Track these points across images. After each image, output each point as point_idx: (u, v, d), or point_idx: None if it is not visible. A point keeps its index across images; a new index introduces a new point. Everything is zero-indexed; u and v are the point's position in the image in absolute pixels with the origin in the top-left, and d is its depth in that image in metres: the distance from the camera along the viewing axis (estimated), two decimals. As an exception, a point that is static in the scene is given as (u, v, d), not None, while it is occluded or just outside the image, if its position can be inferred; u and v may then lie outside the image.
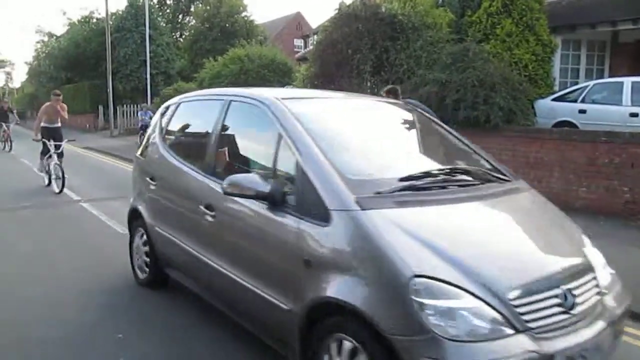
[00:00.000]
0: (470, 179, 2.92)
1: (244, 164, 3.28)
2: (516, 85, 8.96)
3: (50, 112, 9.47)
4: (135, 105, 24.16)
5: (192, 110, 4.31)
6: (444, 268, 2.17)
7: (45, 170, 9.64)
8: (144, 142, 4.73)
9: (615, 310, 2.51)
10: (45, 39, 34.65)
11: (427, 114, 4.04)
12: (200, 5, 31.60)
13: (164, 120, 4.43)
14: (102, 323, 3.74)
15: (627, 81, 9.06)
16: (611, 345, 2.46)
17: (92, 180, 10.43)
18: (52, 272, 4.84)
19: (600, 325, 2.35)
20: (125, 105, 24.81)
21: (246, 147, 3.48)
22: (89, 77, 29.08)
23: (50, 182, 9.35)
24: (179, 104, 4.40)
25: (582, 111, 9.32)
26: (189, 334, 3.57)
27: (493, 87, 8.59)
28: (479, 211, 2.71)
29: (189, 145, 4.17)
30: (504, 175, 3.17)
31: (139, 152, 4.81)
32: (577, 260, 2.57)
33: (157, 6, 32.68)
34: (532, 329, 2.14)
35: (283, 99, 3.18)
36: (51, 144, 9.18)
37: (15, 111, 20.63)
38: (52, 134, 9.40)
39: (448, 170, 2.97)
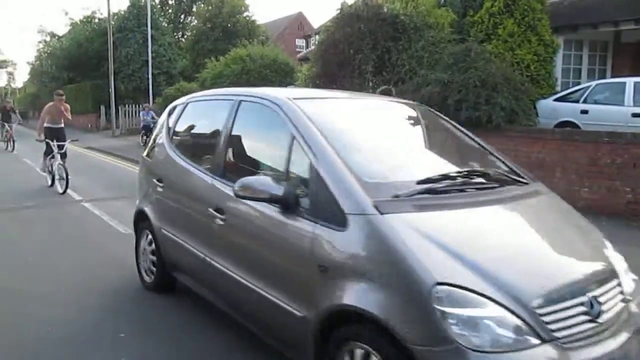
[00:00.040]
0: (488, 181, 2.84)
1: (255, 166, 3.22)
2: (518, 85, 8.95)
3: (53, 112, 9.45)
4: (137, 105, 24.18)
5: (201, 111, 4.22)
6: (467, 275, 2.08)
7: (48, 171, 9.63)
8: (150, 143, 4.64)
9: None
10: (48, 39, 34.74)
11: (439, 114, 3.97)
12: (202, 5, 31.67)
13: (171, 120, 4.34)
14: (104, 323, 3.74)
15: (630, 81, 9.04)
16: (639, 354, 2.32)
17: (94, 180, 10.45)
18: (53, 272, 4.84)
19: (626, 333, 2.25)
20: (127, 105, 24.85)
21: (257, 148, 3.41)
22: (91, 77, 29.13)
23: (53, 182, 9.35)
24: (187, 104, 4.30)
25: (584, 111, 9.31)
26: (193, 336, 3.57)
27: (495, 88, 8.58)
28: (499, 215, 2.63)
29: (198, 147, 4.07)
30: (522, 177, 3.08)
31: (145, 153, 4.72)
32: (601, 266, 2.48)
33: (159, 6, 32.74)
34: (558, 338, 2.05)
35: (295, 99, 3.09)
36: (54, 144, 9.15)
37: (17, 111, 20.67)
38: (55, 134, 9.37)
39: (466, 173, 2.86)
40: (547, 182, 3.43)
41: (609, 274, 2.44)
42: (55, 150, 9.10)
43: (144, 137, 18.24)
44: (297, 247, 2.57)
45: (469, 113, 8.48)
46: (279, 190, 2.62)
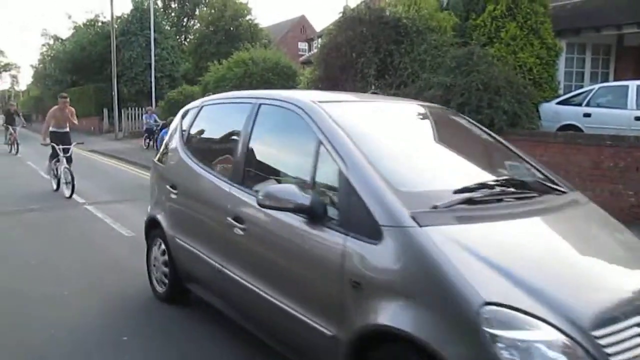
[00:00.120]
0: (526, 190, 2.66)
1: (277, 174, 3.06)
2: (521, 88, 8.95)
3: (58, 116, 9.40)
4: (140, 109, 24.27)
5: (216, 114, 4.05)
6: (517, 294, 1.91)
7: (53, 175, 9.60)
8: (161, 148, 4.51)
9: None
10: (51, 42, 34.88)
11: (468, 118, 3.81)
12: (205, 8, 31.77)
13: (185, 124, 4.16)
14: (107, 326, 3.75)
15: (632, 85, 9.03)
16: None
17: (97, 183, 10.47)
18: (56, 275, 4.85)
19: None
20: (130, 108, 24.94)
21: (279, 154, 3.24)
22: (94, 80, 29.22)
23: (58, 186, 9.34)
24: (201, 107, 4.12)
25: (587, 115, 9.30)
26: (200, 344, 3.57)
27: (497, 91, 8.58)
28: (542, 227, 2.46)
29: (214, 152, 3.88)
30: (559, 185, 2.91)
31: (156, 158, 4.56)
32: None
33: (162, 10, 32.84)
34: None
35: (320, 102, 2.93)
36: (60, 148, 9.13)
37: (21, 114, 20.72)
38: (60, 138, 9.34)
39: (504, 181, 2.67)
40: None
41: None
42: (61, 154, 9.09)
43: (147, 140, 18.32)
44: (327, 261, 2.41)
45: (471, 116, 8.43)
46: (305, 199, 2.46)
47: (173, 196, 3.95)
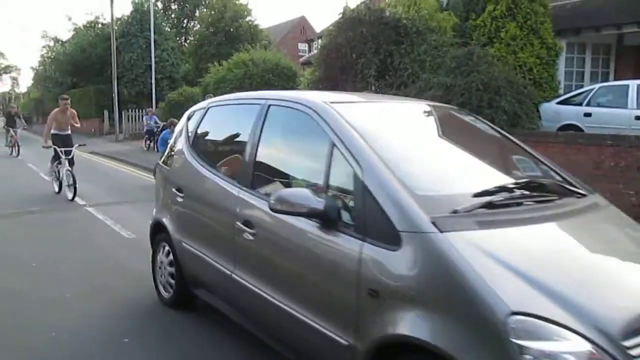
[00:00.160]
0: (546, 193, 2.57)
1: (288, 177, 2.98)
2: (521, 88, 8.95)
3: (59, 119, 9.33)
4: (140, 110, 24.30)
5: (224, 116, 3.95)
6: (544, 303, 1.82)
7: (55, 177, 9.55)
8: (167, 151, 4.43)
9: None
10: (51, 44, 34.92)
11: (481, 119, 3.72)
12: (205, 10, 31.82)
13: (191, 126, 4.07)
14: (109, 329, 3.75)
15: (633, 84, 9.03)
16: None
17: (98, 184, 10.47)
18: (58, 277, 4.85)
19: None
20: (130, 110, 24.97)
21: (290, 157, 3.16)
22: (95, 82, 29.27)
23: (60, 189, 9.32)
24: (208, 108, 4.02)
25: (587, 114, 9.30)
26: (202, 345, 3.57)
27: (498, 91, 8.58)
28: (565, 232, 2.38)
29: (222, 155, 3.81)
30: (578, 187, 2.82)
31: (161, 161, 4.49)
32: None
33: (162, 11, 32.91)
34: None
35: (331, 102, 2.84)
36: (61, 151, 9.08)
37: (22, 116, 20.74)
38: (62, 140, 9.28)
39: (523, 184, 2.57)
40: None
41: None
42: (63, 156, 9.04)
43: (148, 142, 18.33)
44: (342, 267, 2.32)
45: (471, 116, 8.47)
46: (319, 203, 2.37)
47: (179, 199, 3.86)
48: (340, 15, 11.98)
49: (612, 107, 9.13)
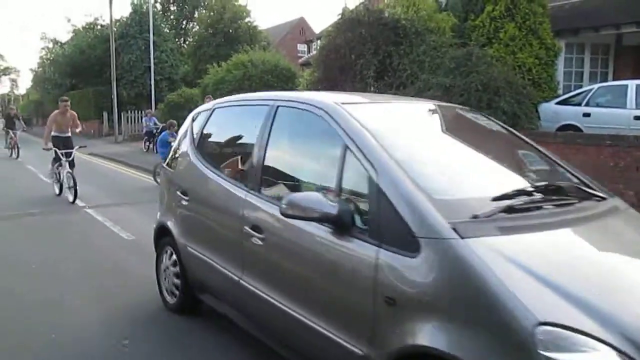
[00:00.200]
0: (566, 196, 2.48)
1: (298, 180, 2.91)
2: (520, 89, 8.97)
3: (59, 121, 9.29)
4: (139, 111, 24.29)
5: (230, 118, 3.86)
6: (572, 312, 1.75)
7: (56, 179, 9.50)
8: (171, 153, 4.36)
9: None
10: (50, 45, 34.90)
11: (491, 118, 3.64)
12: (204, 11, 31.80)
13: (196, 128, 3.98)
14: (108, 330, 3.74)
15: (632, 84, 9.04)
16: None
17: (97, 186, 10.47)
18: (57, 279, 4.85)
19: None
20: (129, 112, 24.95)
21: (300, 160, 3.06)
22: (94, 84, 29.26)
23: (61, 191, 9.28)
24: (213, 110, 3.92)
25: (587, 114, 9.31)
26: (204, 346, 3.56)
27: (497, 91, 8.60)
28: (587, 237, 2.29)
29: (228, 157, 3.71)
30: (597, 190, 2.73)
31: (165, 163, 4.43)
32: None
33: (160, 12, 32.89)
34: None
35: (343, 103, 2.76)
36: (62, 153, 9.03)
37: (21, 118, 20.72)
38: (62, 142, 9.23)
39: (542, 187, 2.50)
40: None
41: None
42: (63, 158, 9.00)
43: (147, 143, 18.34)
44: (357, 274, 2.25)
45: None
46: (332, 208, 2.29)
47: (184, 203, 3.78)
48: (339, 16, 12.00)
49: (611, 107, 9.14)
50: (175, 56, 28.66)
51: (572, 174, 2.90)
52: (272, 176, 3.04)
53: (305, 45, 37.23)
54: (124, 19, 29.02)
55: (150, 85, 24.58)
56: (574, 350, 1.69)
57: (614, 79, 11.40)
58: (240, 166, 3.40)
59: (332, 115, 2.65)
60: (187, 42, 34.39)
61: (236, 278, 3.10)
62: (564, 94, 10.55)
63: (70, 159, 9.07)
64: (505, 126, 3.44)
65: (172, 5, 35.62)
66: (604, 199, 2.67)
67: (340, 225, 2.32)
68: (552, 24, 10.73)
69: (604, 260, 2.19)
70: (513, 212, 2.18)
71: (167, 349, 3.49)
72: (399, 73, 10.55)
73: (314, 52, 20.68)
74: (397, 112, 3.20)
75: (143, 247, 5.83)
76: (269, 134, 3.06)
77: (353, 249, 2.28)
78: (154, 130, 17.65)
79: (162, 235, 4.15)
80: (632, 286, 2.02)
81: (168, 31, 31.09)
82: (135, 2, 29.00)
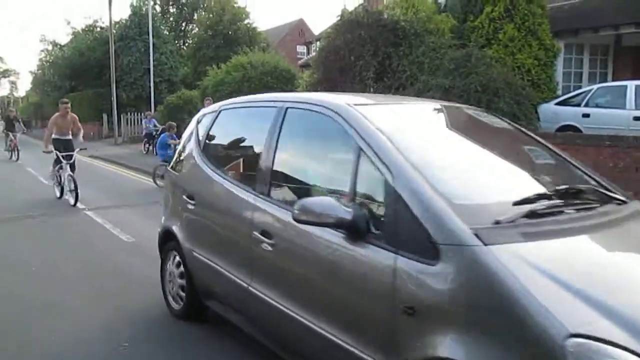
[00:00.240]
0: (586, 200, 2.39)
1: (309, 184, 2.82)
2: (519, 90, 8.98)
3: (60, 123, 9.21)
4: (139, 113, 24.31)
5: (237, 120, 3.79)
6: (604, 323, 1.66)
7: (57, 182, 9.41)
8: (175, 156, 4.27)
9: None
10: (50, 47, 34.93)
11: (505, 119, 3.54)
12: (203, 13, 31.81)
13: (201, 131, 3.89)
14: (108, 332, 3.73)
15: (631, 85, 9.05)
16: None
17: (97, 188, 10.46)
18: (57, 281, 4.84)
19: None
20: (129, 113, 24.97)
21: (311, 163, 2.96)
22: (93, 86, 29.28)
23: (62, 194, 9.20)
24: (219, 111, 3.83)
25: (586, 115, 9.32)
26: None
27: (496, 92, 8.61)
28: (613, 243, 2.21)
29: (236, 161, 3.63)
30: (617, 193, 2.63)
31: (170, 166, 4.33)
32: None
33: (160, 14, 32.91)
34: None
35: (355, 104, 2.69)
36: (62, 155, 8.94)
37: (21, 120, 20.72)
38: (63, 145, 9.15)
39: (563, 191, 2.39)
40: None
41: None
42: (64, 161, 8.92)
43: (147, 145, 18.34)
44: (373, 282, 2.16)
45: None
46: (347, 213, 2.21)
47: (190, 207, 3.69)
48: (339, 18, 12.05)
49: (610, 108, 9.15)
50: (174, 58, 28.68)
51: (590, 176, 2.80)
52: (281, 180, 2.97)
53: (305, 47, 37.29)
54: (124, 21, 29.03)
55: (150, 87, 24.58)
56: None
57: (613, 80, 11.42)
58: (248, 169, 3.33)
59: (345, 117, 2.57)
60: (186, 44, 34.42)
61: (245, 284, 3.01)
62: (563, 94, 10.56)
63: (71, 161, 9.00)
64: (518, 126, 3.35)
65: (171, 7, 35.65)
66: (624, 202, 2.56)
67: (355, 230, 2.24)
68: (551, 24, 10.75)
69: (632, 268, 2.08)
70: (535, 217, 2.09)
71: (168, 350, 3.48)
72: (398, 74, 10.56)
73: (314, 54, 20.71)
74: (409, 113, 3.11)
75: (143, 249, 5.85)
76: (278, 137, 2.98)
77: (368, 255, 2.20)
78: (154, 132, 17.65)
79: (166, 239, 4.06)
80: None
81: (167, 33, 31.10)
82: (135, 4, 29.04)
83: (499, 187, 2.43)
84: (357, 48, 10.84)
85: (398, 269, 2.06)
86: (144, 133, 19.22)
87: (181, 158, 4.10)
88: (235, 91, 15.63)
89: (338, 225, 2.26)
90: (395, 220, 2.15)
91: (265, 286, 2.86)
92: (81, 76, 29.93)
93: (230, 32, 26.66)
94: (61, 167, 9.09)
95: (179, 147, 4.26)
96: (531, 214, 2.09)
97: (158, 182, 10.62)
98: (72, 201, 8.67)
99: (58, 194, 9.35)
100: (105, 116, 26.32)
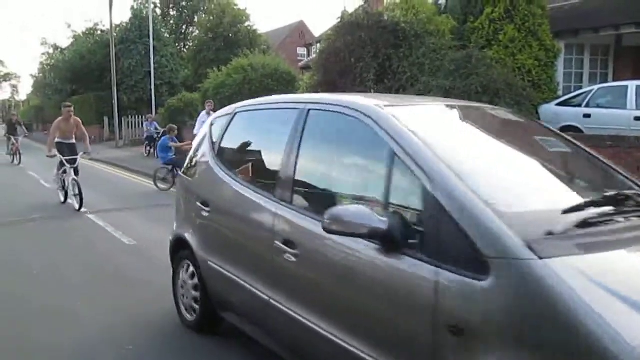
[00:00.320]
0: (636, 207, 2.20)
1: (336, 192, 2.67)
2: (520, 90, 8.99)
3: (63, 127, 9.16)
4: (140, 116, 24.34)
5: (254, 123, 3.63)
6: None
7: (61, 187, 9.33)
8: (187, 161, 4.13)
9: None
10: (51, 51, 35.02)
11: (537, 120, 3.38)
12: (203, 15, 31.86)
13: (215, 134, 3.74)
14: (110, 336, 3.73)
15: (632, 85, 9.04)
16: None
17: (99, 191, 10.47)
18: (59, 284, 4.85)
19: None
20: (130, 116, 25.01)
21: (337, 169, 2.78)
22: (94, 89, 29.33)
23: (66, 199, 9.13)
24: (234, 114, 3.66)
25: (587, 116, 9.31)
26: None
27: (497, 93, 8.61)
28: None
29: (254, 166, 3.42)
30: None
31: (183, 171, 4.16)
32: None
33: (160, 17, 32.96)
34: None
35: (385, 106, 2.54)
36: (66, 160, 8.88)
37: (23, 124, 20.75)
38: (66, 149, 9.10)
39: (613, 197, 2.23)
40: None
41: None
42: (68, 165, 8.86)
43: (148, 148, 18.36)
44: (411, 298, 2.01)
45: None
46: (382, 223, 2.05)
47: (204, 214, 3.51)
48: (339, 20, 12.05)
49: (611, 108, 9.14)
50: (175, 61, 28.73)
51: (629, 179, 2.63)
52: (305, 186, 2.81)
53: (305, 49, 37.30)
54: (124, 24, 29.10)
55: (151, 90, 24.60)
56: None
57: (613, 80, 11.41)
58: (267, 175, 3.15)
59: (375, 119, 2.40)
60: (187, 47, 34.48)
61: (265, 297, 2.84)
62: (564, 95, 10.55)
63: (75, 165, 8.95)
64: (552, 128, 3.18)
65: (171, 10, 35.73)
66: None
67: (390, 241, 2.08)
68: (551, 25, 10.75)
69: None
70: (587, 227, 1.92)
71: (169, 351, 3.48)
72: (399, 76, 10.57)
73: (314, 56, 20.72)
74: (436, 114, 2.95)
75: (144, 252, 5.86)
76: (300, 140, 2.81)
77: (405, 269, 2.04)
78: (155, 135, 17.68)
79: (179, 248, 3.90)
80: None
81: (168, 36, 31.15)
82: (135, 7, 29.11)
83: (542, 194, 2.26)
84: (358, 50, 10.85)
85: (440, 284, 1.90)
86: (145, 136, 19.25)
87: (193, 163, 3.95)
88: (236, 93, 15.66)
89: (372, 235, 2.10)
90: (435, 231, 1.99)
91: (289, 299, 2.69)
92: (82, 79, 30.00)
93: (230, 35, 26.70)
94: (65, 172, 9.03)
95: (191, 152, 4.09)
96: (583, 224, 1.92)
97: (159, 184, 10.65)
98: (76, 206, 8.59)
99: (62, 199, 9.26)
100: (106, 119, 26.36)
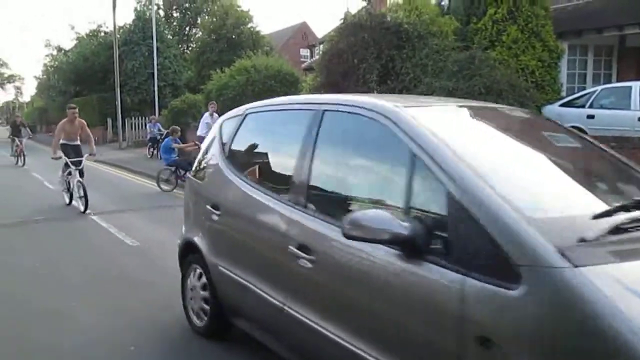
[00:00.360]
0: None
1: (354, 196, 2.59)
2: (523, 91, 8.98)
3: (68, 129, 9.14)
4: (143, 118, 24.39)
5: (266, 124, 3.55)
6: None
7: (66, 188, 9.31)
8: (195, 163, 4.05)
9: None
10: (54, 52, 35.14)
11: (559, 123, 3.28)
12: (206, 17, 31.94)
13: (225, 136, 3.67)
14: (113, 337, 3.74)
15: (635, 85, 9.03)
16: None
17: (102, 193, 10.48)
18: (62, 285, 4.85)
19: None
20: (133, 118, 25.05)
21: (355, 172, 2.69)
22: (97, 91, 29.41)
23: (71, 200, 9.13)
24: (245, 115, 3.58)
25: (591, 116, 9.29)
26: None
27: (500, 94, 8.60)
28: None
29: (266, 169, 3.35)
30: None
31: (192, 174, 4.06)
32: None
33: (164, 19, 33.02)
34: None
35: (405, 107, 2.47)
36: (71, 161, 8.86)
37: (27, 125, 20.82)
38: (71, 151, 9.08)
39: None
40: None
41: None
42: (73, 167, 8.84)
43: (151, 149, 18.41)
44: (435, 307, 1.93)
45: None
46: (404, 229, 1.97)
47: (215, 217, 3.43)
48: (342, 21, 12.06)
49: (615, 109, 9.13)
50: (178, 62, 28.78)
51: None
52: (320, 190, 2.75)
53: (308, 50, 37.33)
54: (127, 26, 29.15)
55: (154, 91, 24.66)
56: None
57: (617, 81, 11.38)
58: (280, 178, 3.08)
59: (395, 120, 2.32)
60: (190, 48, 34.54)
61: (279, 304, 2.75)
62: (567, 96, 10.54)
63: (80, 167, 8.92)
64: (572, 129, 3.09)
65: (174, 11, 35.80)
66: None
67: (412, 247, 2.00)
68: (554, 26, 10.73)
69: None
70: (620, 233, 1.83)
71: (171, 352, 3.49)
72: (402, 77, 10.57)
73: (317, 57, 20.74)
74: (457, 115, 2.87)
75: (147, 253, 5.87)
76: (315, 142, 2.73)
77: (429, 276, 1.96)
78: (158, 137, 17.72)
79: (188, 252, 3.82)
80: None
81: (171, 37, 31.19)
82: (138, 8, 29.18)
83: (571, 198, 2.17)
84: (361, 51, 10.86)
85: (466, 293, 1.82)
86: (148, 137, 19.30)
87: (203, 165, 3.88)
88: (239, 95, 15.68)
89: (393, 241, 2.02)
90: (461, 237, 1.91)
91: (304, 307, 2.60)
92: (86, 81, 30.08)
93: (233, 36, 26.76)
94: (70, 173, 9.00)
95: (199, 154, 4.02)
96: (616, 230, 1.82)
97: (162, 186, 10.66)
98: (81, 208, 8.57)
99: (67, 200, 9.25)
100: (109, 120, 26.43)
